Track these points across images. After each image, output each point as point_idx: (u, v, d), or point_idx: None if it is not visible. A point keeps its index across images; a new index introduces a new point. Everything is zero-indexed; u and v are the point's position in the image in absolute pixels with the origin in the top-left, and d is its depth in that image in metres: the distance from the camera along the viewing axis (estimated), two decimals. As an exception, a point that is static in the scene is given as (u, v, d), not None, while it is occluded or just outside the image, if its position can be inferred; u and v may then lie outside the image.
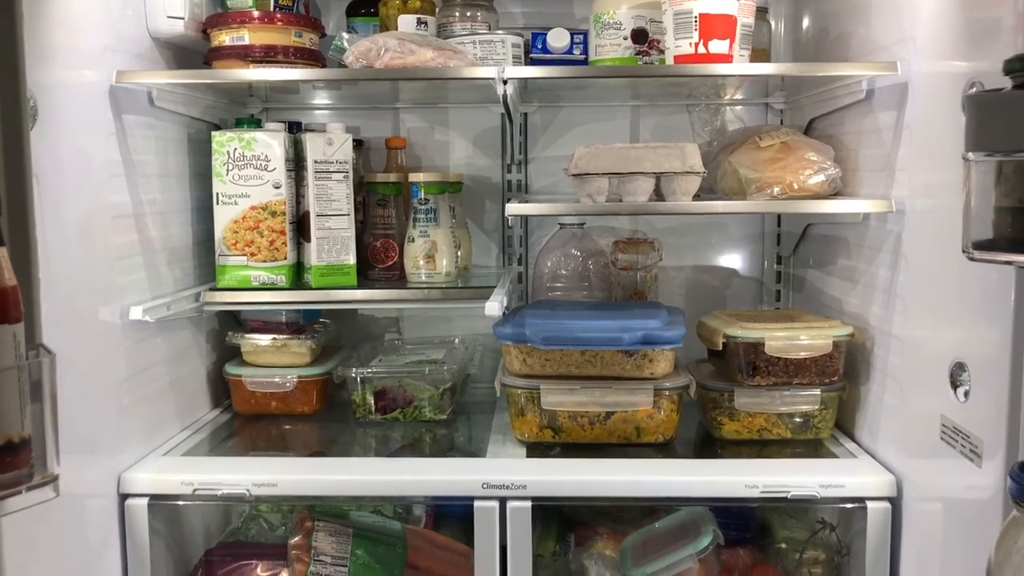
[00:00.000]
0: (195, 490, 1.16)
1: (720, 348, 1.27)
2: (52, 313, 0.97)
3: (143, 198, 1.25)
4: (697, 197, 1.24)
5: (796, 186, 1.26)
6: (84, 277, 1.08)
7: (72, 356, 1.02)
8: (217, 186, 1.36)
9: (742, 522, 1.27)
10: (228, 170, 1.35)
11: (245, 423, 1.44)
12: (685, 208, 1.22)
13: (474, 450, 1.31)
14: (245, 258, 1.37)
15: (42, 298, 0.94)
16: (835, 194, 1.27)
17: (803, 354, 1.23)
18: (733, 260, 1.66)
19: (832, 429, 1.30)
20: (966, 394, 0.95)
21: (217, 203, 1.36)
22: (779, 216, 1.63)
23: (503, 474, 1.16)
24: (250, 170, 1.35)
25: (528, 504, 1.14)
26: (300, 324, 1.48)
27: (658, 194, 1.23)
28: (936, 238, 1.05)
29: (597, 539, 1.27)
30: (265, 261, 1.37)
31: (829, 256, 1.42)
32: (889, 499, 1.13)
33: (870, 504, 1.13)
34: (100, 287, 1.13)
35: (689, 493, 1.16)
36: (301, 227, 1.39)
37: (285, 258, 1.37)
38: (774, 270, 1.64)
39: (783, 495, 1.13)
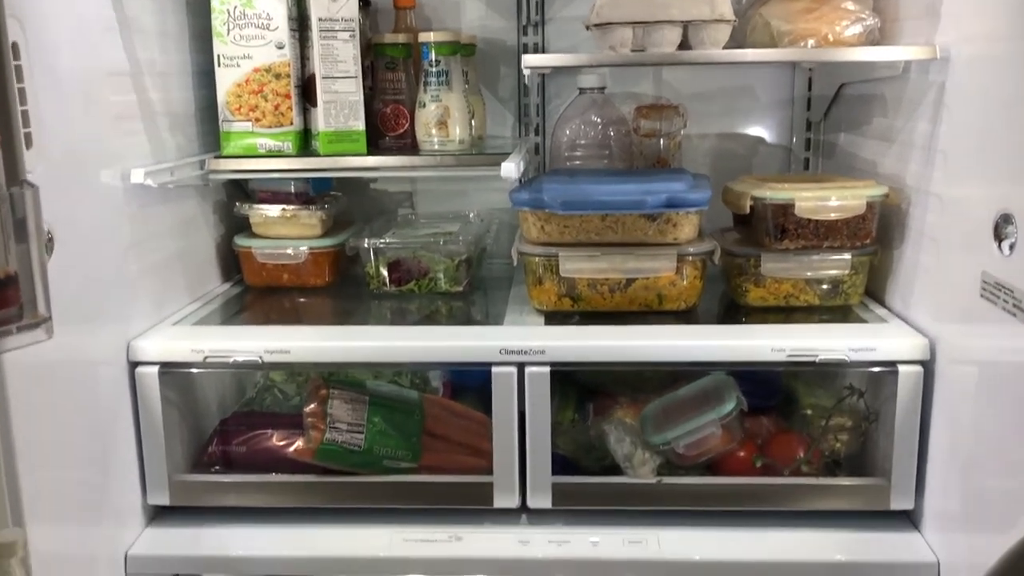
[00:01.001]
0: (206, 357, 1.13)
1: (747, 211, 1.21)
2: (50, 175, 0.92)
3: (140, 57, 1.18)
4: (726, 50, 1.17)
5: (831, 38, 1.18)
6: (82, 138, 1.02)
7: (72, 219, 0.98)
8: (218, 47, 1.29)
9: (766, 390, 1.23)
10: (229, 30, 1.28)
11: (256, 296, 1.41)
12: (712, 57, 1.15)
13: (491, 320, 1.28)
14: (250, 124, 1.31)
15: (38, 159, 0.90)
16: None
17: (835, 215, 1.17)
18: (761, 127, 1.58)
19: (862, 296, 1.25)
20: (1011, 247, 0.90)
21: (219, 65, 1.30)
22: (810, 79, 1.54)
23: (521, 340, 1.13)
24: (252, 29, 1.28)
25: (547, 370, 1.11)
26: (310, 195, 1.43)
27: (685, 45, 1.16)
28: (983, 87, 0.98)
29: (616, 408, 1.25)
30: (270, 127, 1.31)
31: (864, 116, 1.35)
32: (921, 362, 1.09)
33: (902, 368, 1.09)
34: (99, 149, 1.08)
35: (713, 357, 1.12)
36: (307, 91, 1.33)
37: (291, 124, 1.31)
38: (803, 137, 1.57)
39: (811, 359, 1.09)
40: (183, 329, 1.20)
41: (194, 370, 1.15)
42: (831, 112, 1.50)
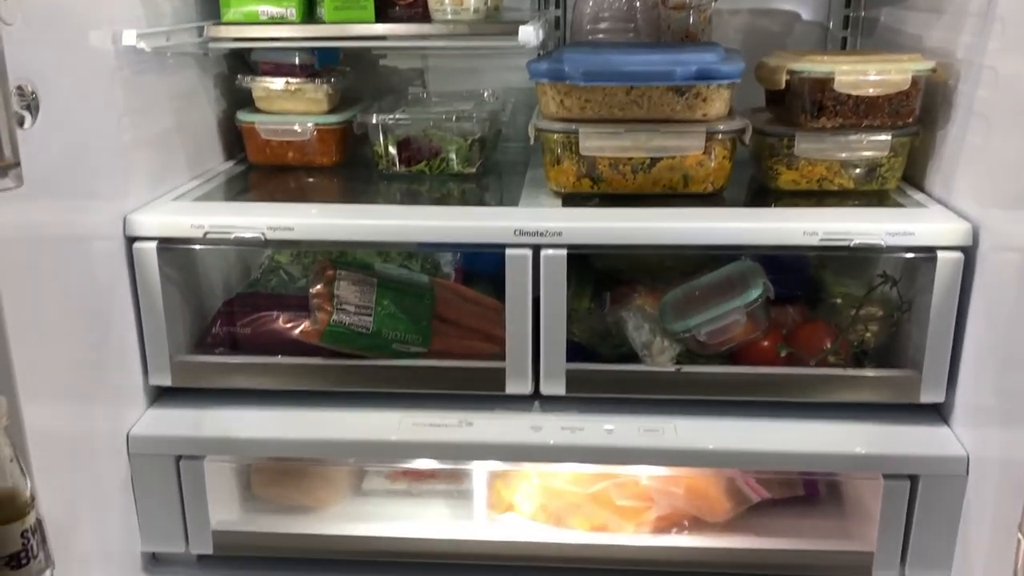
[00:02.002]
0: (206, 233, 1.08)
1: (782, 87, 1.13)
2: (30, 29, 0.86)
3: (126, -97, 1.09)
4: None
5: None
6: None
7: (57, 79, 0.91)
8: (214, -97, 1.20)
9: (794, 278, 1.17)
10: None
11: (260, 174, 1.34)
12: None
13: (506, 203, 1.22)
14: (251, -13, 1.23)
15: (16, 9, 0.83)
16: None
17: (876, 90, 1.09)
18: (796, 2, 1.48)
19: (899, 180, 1.18)
20: (1073, 122, 0.82)
21: (216, -77, 1.21)
22: (851, -53, 1.43)
23: (537, 221, 1.07)
24: None
25: (563, 252, 1.05)
26: (315, 69, 1.35)
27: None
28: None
29: (635, 296, 1.19)
30: (273, -9, 1.23)
31: (911, -13, 1.25)
32: (962, 248, 1.02)
33: (941, 254, 1.02)
34: (87, 6, 1.00)
35: (741, 241, 1.06)
36: (312, -47, 1.24)
37: (295, -12, 1.23)
38: (842, 14, 1.46)
39: (845, 243, 1.03)
40: (183, 204, 1.15)
41: (194, 246, 1.10)
42: (873, -15, 1.40)
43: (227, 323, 1.19)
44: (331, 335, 1.11)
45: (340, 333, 1.11)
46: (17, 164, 0.60)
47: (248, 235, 1.07)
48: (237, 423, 1.11)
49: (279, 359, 1.13)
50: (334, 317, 1.10)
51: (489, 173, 1.35)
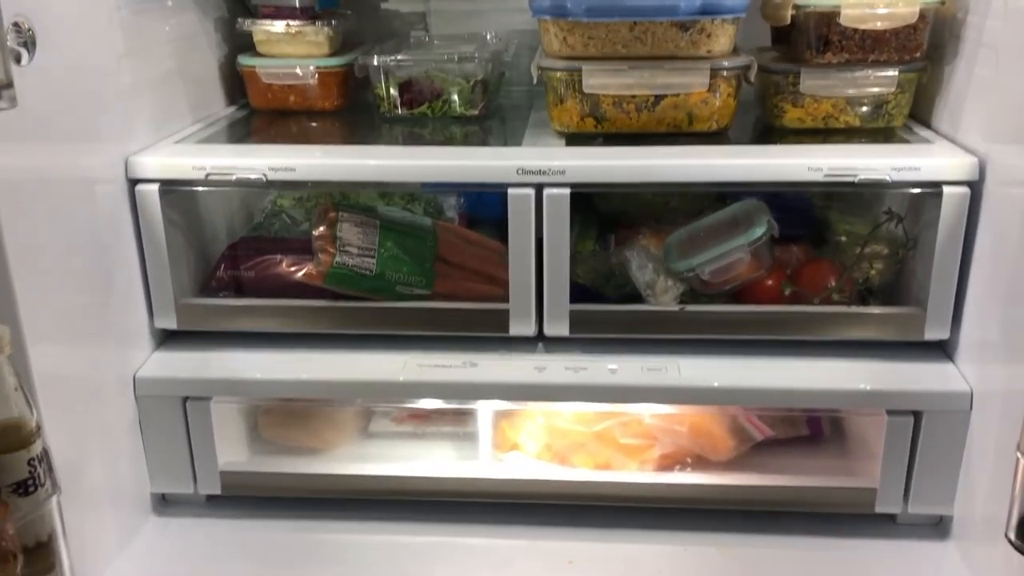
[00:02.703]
0: (208, 175, 1.07)
1: (788, 22, 1.11)
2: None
3: None
4: None
5: None
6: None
7: (53, 15, 0.90)
8: None
9: (798, 217, 1.17)
10: None
11: (262, 118, 1.33)
12: None
13: (509, 138, 1.21)
14: (249, -72, 1.21)
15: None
16: None
17: (883, 24, 1.07)
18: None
19: (906, 118, 1.17)
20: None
21: None
22: None
23: (540, 159, 1.06)
24: None
25: (567, 191, 1.05)
26: (316, 11, 1.34)
27: None
28: None
29: (640, 237, 1.19)
30: (271, -69, 1.21)
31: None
32: (969, 183, 1.01)
33: (947, 189, 1.01)
34: (82, -55, 0.99)
35: (745, 177, 1.05)
36: None
37: (293, -73, 1.21)
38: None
39: (850, 178, 1.02)
40: (185, 147, 1.14)
41: (196, 188, 1.09)
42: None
43: (231, 266, 1.19)
44: (334, 277, 1.11)
45: (343, 275, 1.11)
46: (10, 85, 0.59)
47: (250, 175, 1.07)
48: (243, 365, 1.12)
49: (283, 301, 1.14)
50: (337, 259, 1.11)
51: (492, 115, 1.34)
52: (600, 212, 1.23)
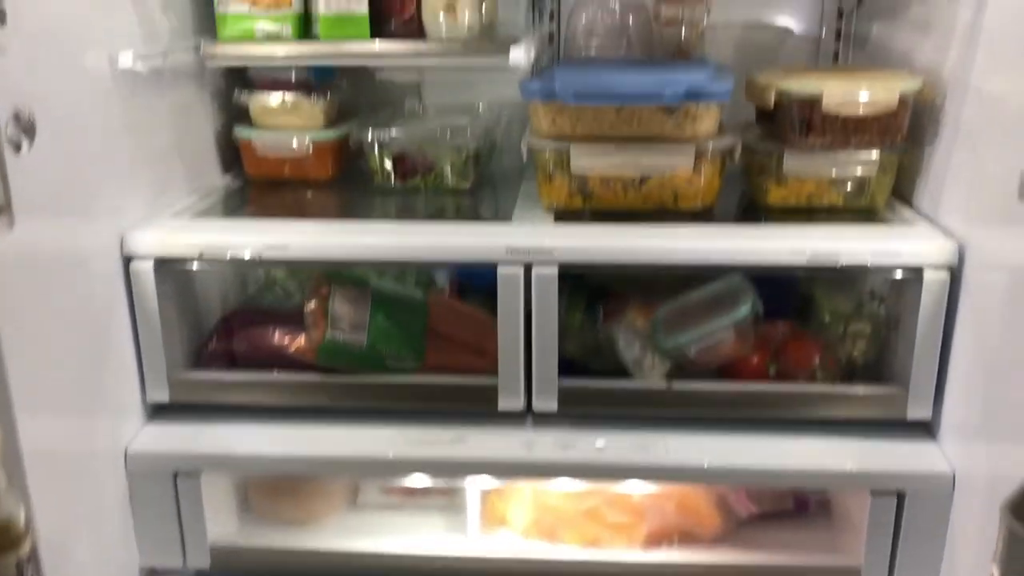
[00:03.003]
0: (202, 253, 1.09)
1: (771, 106, 1.14)
2: (26, 53, 0.88)
3: (126, -71, 1.11)
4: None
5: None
6: (62, 14, 0.96)
7: (55, 103, 0.93)
8: (211, -78, 1.21)
9: (782, 294, 1.19)
10: (221, -99, 1.20)
11: (257, 189, 1.36)
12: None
13: (499, 218, 1.23)
14: (246, 6, 1.24)
15: (13, 36, 0.85)
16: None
17: (865, 110, 1.10)
18: (788, 15, 1.49)
19: (888, 196, 1.19)
20: (1056, 145, 0.83)
21: (211, -58, 1.22)
22: (844, -38, 1.44)
23: (529, 239, 1.08)
24: (245, -99, 1.20)
25: (555, 270, 1.07)
26: (312, 84, 1.37)
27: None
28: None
29: (627, 310, 1.21)
30: (268, 9, 1.24)
31: (901, 5, 1.26)
32: (948, 268, 1.03)
33: (927, 273, 1.04)
34: (82, 29, 1.01)
35: (730, 259, 1.07)
36: (308, -30, 1.25)
37: (290, 6, 1.24)
38: (834, 27, 1.48)
39: (832, 262, 1.04)
40: (179, 222, 1.16)
41: (189, 266, 1.11)
42: (865, 0, 1.41)
43: (224, 339, 1.20)
44: (326, 352, 1.12)
45: (335, 350, 1.12)
46: (7, 206, 0.61)
47: (243, 254, 1.09)
48: (233, 439, 1.13)
49: (275, 375, 1.15)
50: (329, 334, 1.12)
51: (484, 187, 1.36)
52: (589, 283, 1.25)
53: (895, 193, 1.20)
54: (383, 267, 1.19)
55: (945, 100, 1.10)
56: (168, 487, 1.11)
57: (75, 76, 1.00)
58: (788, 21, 1.49)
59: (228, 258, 1.09)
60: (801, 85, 1.11)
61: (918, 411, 1.08)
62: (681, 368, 1.13)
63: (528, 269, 1.07)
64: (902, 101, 1.10)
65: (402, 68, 1.53)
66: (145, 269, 1.09)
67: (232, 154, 1.40)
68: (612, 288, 1.25)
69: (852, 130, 1.12)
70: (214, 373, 1.17)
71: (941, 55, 1.11)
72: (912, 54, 1.21)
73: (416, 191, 1.32)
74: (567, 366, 1.13)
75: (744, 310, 1.09)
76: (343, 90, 1.41)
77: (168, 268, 1.11)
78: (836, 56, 1.49)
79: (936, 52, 1.13)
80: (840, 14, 1.46)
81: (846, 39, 1.47)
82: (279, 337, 1.18)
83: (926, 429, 1.11)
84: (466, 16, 1.26)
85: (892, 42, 1.28)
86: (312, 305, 1.14)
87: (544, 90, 1.13)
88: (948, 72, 1.09)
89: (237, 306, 1.26)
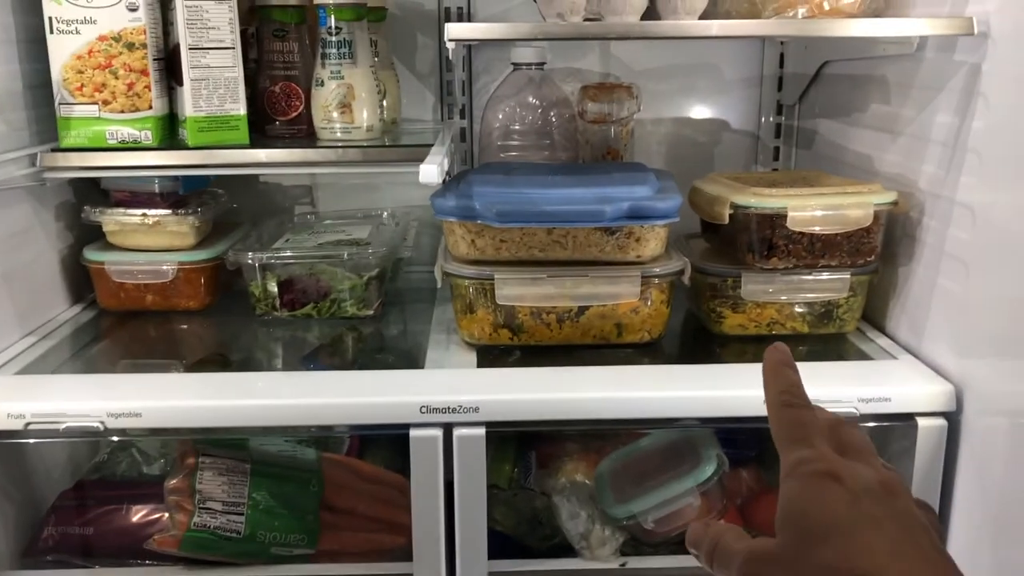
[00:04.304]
0: (28, 424, 0.85)
1: (726, 221, 0.98)
2: None
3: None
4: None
5: (827, 6, 0.95)
6: None
7: None
8: (49, 7, 0.99)
9: (748, 438, 1.01)
10: (61, -16, 0.99)
11: (113, 323, 1.12)
12: (689, 30, 0.90)
13: (409, 358, 1.02)
14: (96, 107, 1.03)
15: None
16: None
17: (836, 228, 0.95)
18: (724, 110, 1.35)
19: (858, 321, 1.04)
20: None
21: (51, 31, 1.00)
22: (782, 54, 1.32)
23: (448, 393, 0.88)
24: (93, -16, 0.99)
25: (481, 431, 0.87)
26: (180, 195, 1.15)
27: (651, 14, 0.91)
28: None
29: (566, 460, 1.01)
30: (124, 111, 1.02)
31: (855, 102, 1.13)
32: (945, 414, 0.88)
33: (921, 422, 0.88)
34: None
35: (688, 413, 0.89)
36: (171, 66, 1.05)
37: (150, 107, 1.03)
38: (773, 122, 1.34)
39: (812, 413, 0.87)
40: (0, 381, 0.92)
41: (12, 440, 0.86)
42: (808, 94, 1.28)
43: (63, 522, 0.95)
44: (191, 543, 0.89)
45: (203, 539, 0.89)
46: None
47: (82, 424, 0.85)
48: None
49: (127, 574, 0.90)
50: (195, 519, 0.89)
51: (389, 312, 1.16)
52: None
53: (864, 315, 1.05)
54: (264, 435, 0.97)
55: (923, 214, 0.95)
56: None
57: None
58: (723, 115, 1.35)
59: (63, 429, 0.85)
60: (761, 200, 0.95)
61: None
62: (636, 540, 0.94)
63: (448, 431, 0.87)
64: (876, 217, 0.95)
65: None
66: (-53, 451, 0.84)
67: (83, 281, 1.16)
68: (546, 432, 1.06)
69: (820, 250, 0.97)
70: (48, 571, 0.92)
71: (914, 164, 0.97)
72: (874, 160, 1.07)
73: (308, 321, 1.11)
74: (498, 542, 0.92)
75: (708, 470, 0.91)
76: (219, 201, 1.20)
77: (-17, 444, 0.86)
78: (776, 153, 1.35)
79: (907, 159, 0.99)
80: (780, 109, 1.33)
81: (787, 135, 1.34)
82: (135, 516, 0.95)
83: (926, 602, 0.94)
84: (364, 115, 1.08)
85: (848, 143, 1.15)
86: (175, 482, 0.90)
87: (462, 208, 0.94)
88: (925, 183, 0.95)
89: (83, 476, 1.01)
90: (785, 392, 0.48)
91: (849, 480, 0.44)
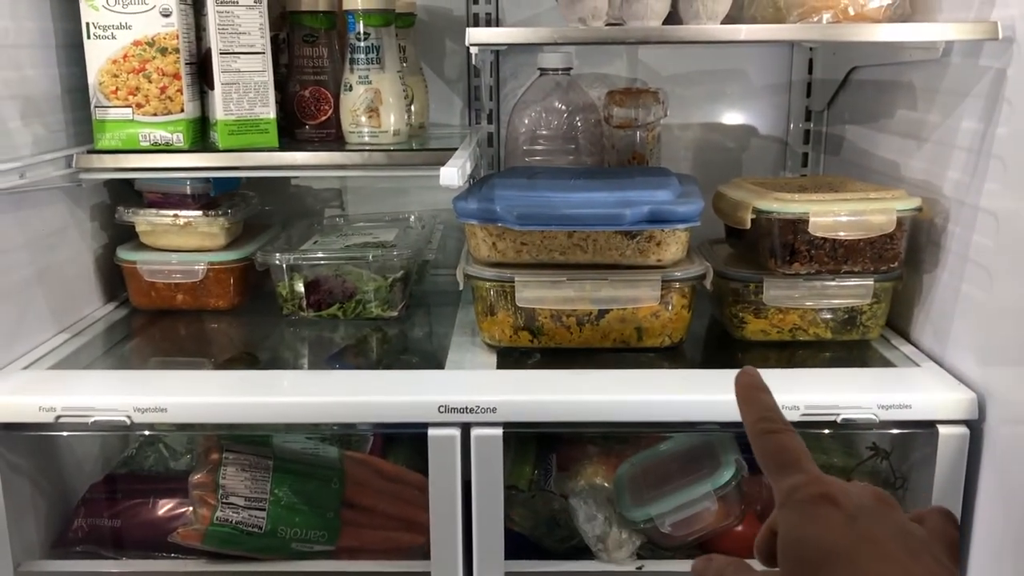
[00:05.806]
0: (58, 417, 0.87)
1: (747, 226, 0.97)
2: None
3: (-27, 24, 0.92)
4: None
5: (852, 11, 0.95)
6: None
7: None
8: (87, 13, 1.02)
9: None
10: (98, -9, 1.02)
11: (144, 321, 1.14)
12: (710, 35, 0.91)
13: (430, 359, 1.03)
14: (130, 110, 1.05)
15: None
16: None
17: (858, 234, 0.94)
18: (752, 116, 1.35)
19: (882, 328, 1.03)
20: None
21: (88, 36, 1.03)
22: (811, 60, 1.31)
23: (466, 393, 0.89)
24: (129, -9, 1.02)
25: (498, 432, 0.87)
26: (211, 197, 1.17)
27: (674, 19, 0.92)
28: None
29: (585, 463, 1.02)
30: (156, 114, 1.05)
31: (883, 108, 1.12)
32: (967, 423, 0.87)
33: (943, 429, 0.87)
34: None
35: (707, 417, 0.89)
36: (203, 70, 1.07)
37: (182, 110, 1.05)
38: (802, 128, 1.34)
39: (831, 418, 0.86)
40: (34, 375, 0.94)
41: (43, 433, 0.89)
42: (837, 100, 1.27)
43: (92, 514, 0.98)
44: (214, 537, 0.90)
45: (225, 533, 0.90)
46: None
47: (110, 418, 0.87)
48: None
49: (153, 564, 0.92)
50: (218, 514, 0.90)
51: (414, 314, 1.17)
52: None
53: (888, 323, 1.04)
54: (287, 431, 0.98)
55: (947, 221, 0.95)
56: None
57: None
58: (752, 121, 1.35)
59: (92, 423, 0.87)
60: (783, 205, 0.95)
61: (938, 593, 0.90)
62: (653, 543, 0.94)
63: (466, 430, 0.88)
64: (899, 222, 0.95)
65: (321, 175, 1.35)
66: (-17, 441, 0.87)
67: (116, 280, 1.19)
68: (566, 435, 1.06)
69: (842, 256, 0.96)
70: (77, 560, 0.94)
71: (939, 169, 0.96)
72: (900, 166, 1.06)
73: (334, 322, 1.13)
74: (515, 541, 0.92)
75: (727, 473, 0.91)
76: (249, 203, 1.22)
77: (17, 436, 0.88)
78: (805, 159, 1.34)
79: (933, 165, 0.98)
80: (808, 114, 1.33)
81: (816, 141, 1.33)
82: (161, 510, 0.97)
83: (947, 613, 0.92)
84: (391, 119, 1.09)
85: (874, 149, 1.14)
86: (199, 476, 0.92)
87: (483, 211, 0.95)
88: (950, 189, 0.94)
89: (112, 469, 1.04)
90: (763, 419, 0.47)
91: (843, 499, 0.43)
